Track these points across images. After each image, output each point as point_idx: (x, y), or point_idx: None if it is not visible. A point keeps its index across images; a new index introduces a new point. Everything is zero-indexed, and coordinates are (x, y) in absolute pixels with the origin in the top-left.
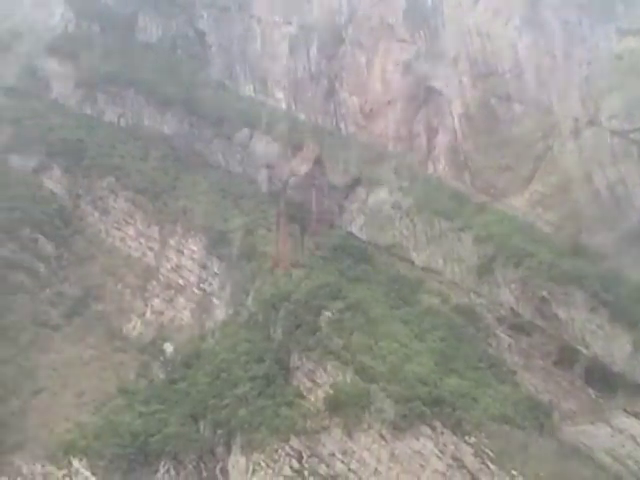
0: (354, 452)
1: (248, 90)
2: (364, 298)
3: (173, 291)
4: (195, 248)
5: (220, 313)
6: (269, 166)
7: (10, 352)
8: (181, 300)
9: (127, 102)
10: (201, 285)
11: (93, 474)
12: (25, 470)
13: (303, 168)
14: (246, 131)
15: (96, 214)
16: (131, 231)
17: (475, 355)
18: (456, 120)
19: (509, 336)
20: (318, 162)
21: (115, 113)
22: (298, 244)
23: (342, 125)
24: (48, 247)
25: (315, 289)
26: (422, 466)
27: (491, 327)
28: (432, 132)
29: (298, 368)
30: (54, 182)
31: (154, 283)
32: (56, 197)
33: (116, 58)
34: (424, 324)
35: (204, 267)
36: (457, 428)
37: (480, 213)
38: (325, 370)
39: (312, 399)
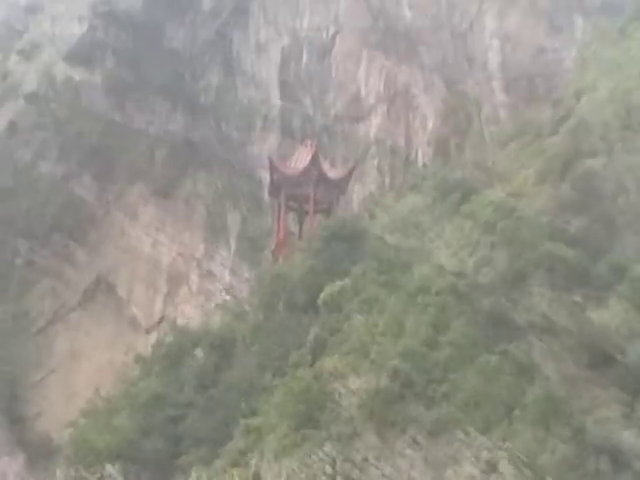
0: (388, 457)
1: (246, 95)
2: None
3: (203, 297)
4: (225, 254)
5: (251, 319)
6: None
7: None
8: (211, 306)
9: (155, 109)
10: (232, 291)
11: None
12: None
13: (301, 164)
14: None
15: (126, 220)
16: (161, 237)
17: (506, 360)
18: (431, 123)
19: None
20: (315, 158)
21: (143, 120)
22: (296, 234)
23: (332, 126)
24: (79, 253)
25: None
26: (456, 472)
27: (523, 332)
28: (412, 133)
29: (331, 373)
30: (84, 188)
31: (185, 289)
32: (86, 203)
33: (144, 65)
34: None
35: (235, 273)
36: (491, 433)
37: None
38: (358, 375)
39: (345, 404)
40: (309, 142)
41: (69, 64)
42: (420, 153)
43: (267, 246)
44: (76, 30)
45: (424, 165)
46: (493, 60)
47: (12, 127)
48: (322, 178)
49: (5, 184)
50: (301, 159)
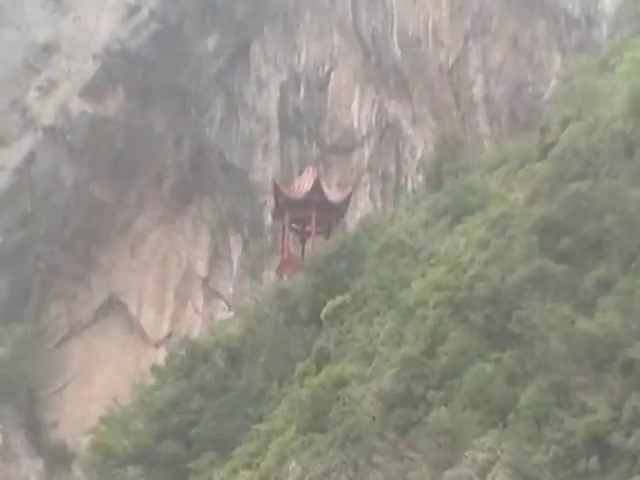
0: (390, 459)
1: (248, 127)
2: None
3: (208, 313)
4: (228, 274)
5: (257, 332)
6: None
7: None
8: (216, 322)
9: (163, 140)
10: (234, 307)
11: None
12: None
13: (304, 188)
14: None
15: (136, 244)
16: (169, 259)
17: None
18: (419, 152)
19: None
20: (317, 183)
21: (152, 150)
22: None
23: (327, 155)
24: (92, 276)
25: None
26: (454, 472)
27: (516, 342)
28: (402, 161)
29: (335, 381)
30: (96, 215)
31: (191, 306)
32: (98, 229)
33: (153, 100)
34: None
35: (237, 291)
36: (487, 436)
37: None
38: (361, 382)
39: (349, 409)
40: (311, 168)
41: (84, 99)
42: (410, 180)
43: (267, 266)
44: (90, 67)
45: (413, 190)
46: (477, 94)
47: (31, 157)
48: (323, 202)
49: (24, 209)
50: (303, 184)
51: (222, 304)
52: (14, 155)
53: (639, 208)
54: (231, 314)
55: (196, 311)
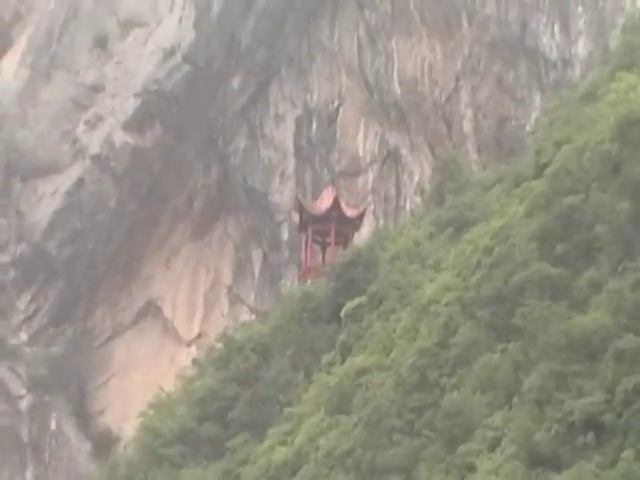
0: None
1: (267, 156)
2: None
3: (233, 317)
4: (250, 283)
5: (285, 329)
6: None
7: None
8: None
9: (193, 167)
10: (271, 300)
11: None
12: None
13: (324, 205)
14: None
15: (171, 257)
16: (198, 269)
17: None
18: (417, 177)
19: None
20: (336, 200)
21: (184, 176)
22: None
23: (336, 180)
24: (133, 285)
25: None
26: (466, 447)
27: (519, 335)
28: (401, 185)
29: (358, 370)
30: (137, 232)
31: (218, 310)
32: (138, 244)
33: (185, 132)
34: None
35: (258, 297)
36: (494, 416)
37: None
38: (382, 370)
39: (371, 394)
40: (330, 188)
41: (126, 132)
42: (408, 201)
43: (284, 276)
44: (131, 105)
45: (411, 210)
46: (467, 126)
47: (80, 182)
48: (341, 217)
49: (74, 227)
50: (324, 201)
51: (245, 309)
52: (65, 181)
53: (625, 219)
54: (253, 317)
55: (222, 315)
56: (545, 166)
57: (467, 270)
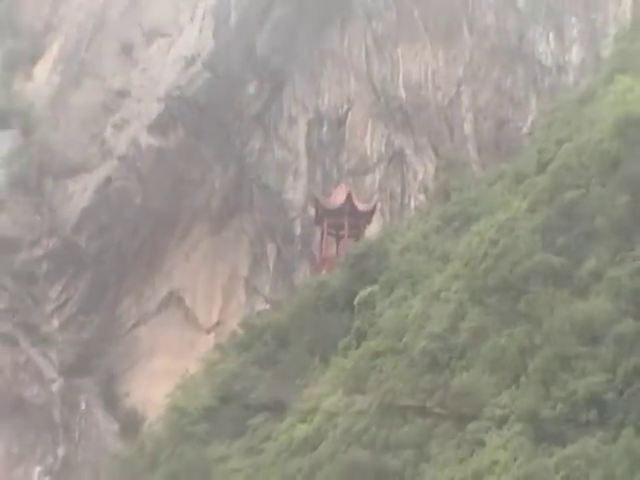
0: (420, 417)
1: (281, 156)
2: None
3: (249, 307)
4: (265, 276)
5: (301, 316)
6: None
7: None
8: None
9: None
10: (270, 301)
11: None
12: None
13: (339, 200)
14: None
15: (190, 251)
16: (217, 263)
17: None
18: (420, 176)
19: (539, 326)
20: (349, 196)
21: (203, 175)
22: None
23: (345, 179)
24: (156, 277)
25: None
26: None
27: (524, 320)
28: (406, 184)
29: (372, 354)
30: (159, 229)
31: (235, 300)
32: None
33: (205, 135)
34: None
35: (273, 289)
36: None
37: None
38: (395, 354)
39: (385, 376)
40: (344, 185)
41: (150, 134)
42: (412, 198)
43: (297, 268)
44: (155, 109)
45: (415, 207)
46: (468, 128)
47: (108, 181)
48: (354, 211)
49: (102, 222)
50: (338, 197)
51: (261, 299)
52: (94, 179)
53: (623, 212)
54: (268, 306)
55: (239, 304)
56: (547, 163)
57: (475, 260)
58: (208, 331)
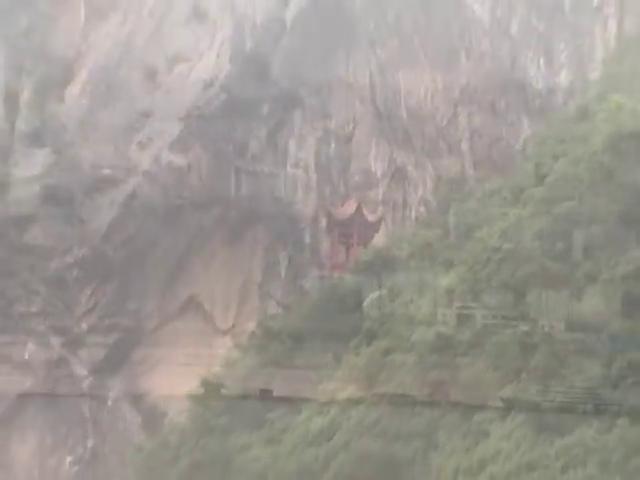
0: (431, 408)
1: (292, 171)
2: None
3: (263, 311)
4: (278, 282)
5: (315, 316)
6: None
7: None
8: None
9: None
10: (282, 305)
11: None
12: None
13: (349, 211)
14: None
15: (209, 262)
16: (233, 271)
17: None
18: (420, 190)
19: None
20: (359, 207)
21: (219, 190)
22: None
23: (352, 192)
24: (178, 284)
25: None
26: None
27: (526, 320)
28: (407, 197)
29: (383, 351)
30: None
31: (249, 304)
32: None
33: (222, 152)
34: None
35: (284, 294)
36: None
37: None
38: (404, 352)
39: (395, 371)
40: (354, 197)
41: (171, 152)
42: (413, 211)
43: (307, 275)
44: (176, 128)
45: (416, 218)
46: (465, 146)
47: (133, 194)
48: (363, 221)
49: (129, 233)
50: (349, 208)
51: (273, 303)
52: (121, 193)
53: (616, 220)
54: (280, 310)
55: (253, 308)
56: (545, 176)
57: (478, 265)
58: (224, 333)
